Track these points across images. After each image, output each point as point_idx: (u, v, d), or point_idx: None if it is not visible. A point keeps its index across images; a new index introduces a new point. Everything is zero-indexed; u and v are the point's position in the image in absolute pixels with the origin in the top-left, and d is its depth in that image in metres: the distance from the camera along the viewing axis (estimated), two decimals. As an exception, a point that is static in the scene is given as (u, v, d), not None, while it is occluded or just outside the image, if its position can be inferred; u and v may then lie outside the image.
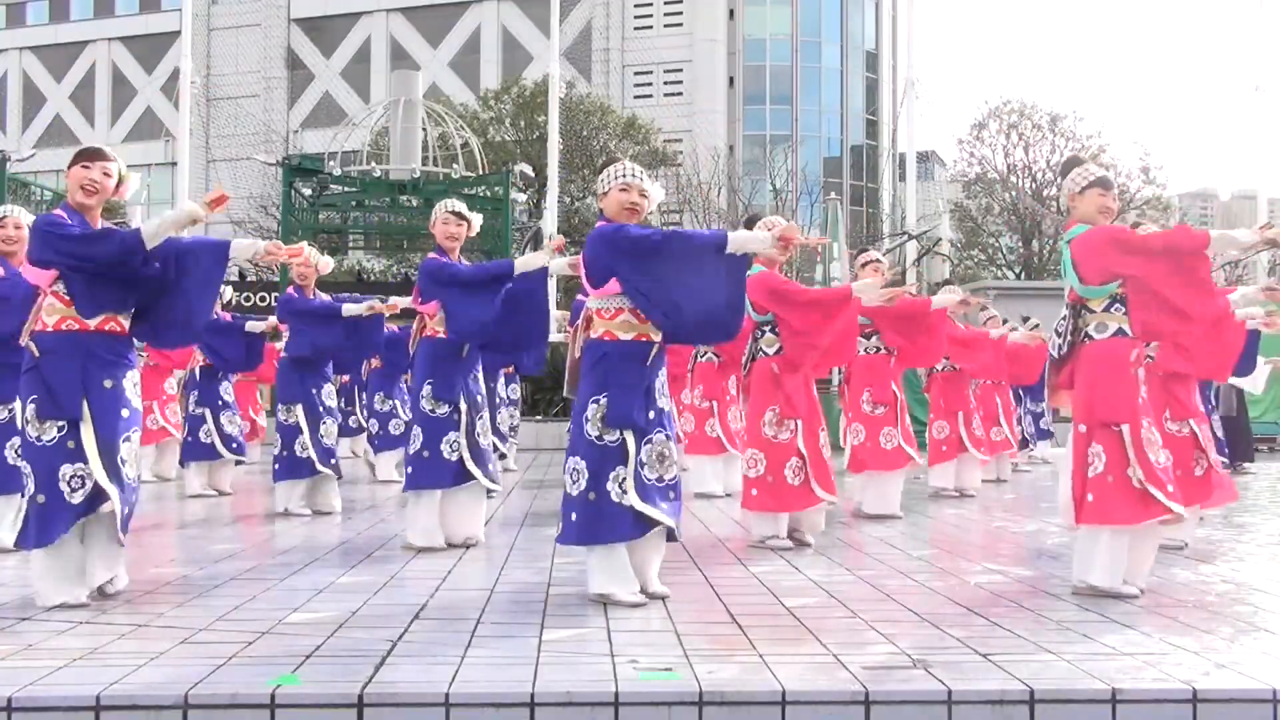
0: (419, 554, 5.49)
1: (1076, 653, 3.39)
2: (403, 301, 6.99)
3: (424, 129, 21.37)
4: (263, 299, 16.28)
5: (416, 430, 5.66)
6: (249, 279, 18.38)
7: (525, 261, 5.47)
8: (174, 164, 21.12)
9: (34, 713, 2.83)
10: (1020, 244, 38.36)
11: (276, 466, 7.27)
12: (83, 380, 4.15)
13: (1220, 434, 7.36)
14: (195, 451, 8.67)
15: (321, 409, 7.28)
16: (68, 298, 4.21)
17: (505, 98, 35.26)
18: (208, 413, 8.69)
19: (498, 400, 9.78)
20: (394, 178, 19.26)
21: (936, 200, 29.69)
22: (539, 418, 15.78)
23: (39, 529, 4.08)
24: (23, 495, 4.18)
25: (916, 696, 2.96)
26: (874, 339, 7.18)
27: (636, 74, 45.98)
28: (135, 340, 4.46)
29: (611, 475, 4.14)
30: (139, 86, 51.26)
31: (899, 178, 29.41)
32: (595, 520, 4.14)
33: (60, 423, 4.12)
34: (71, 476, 4.08)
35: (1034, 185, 37.76)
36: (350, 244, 19.71)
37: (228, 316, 8.69)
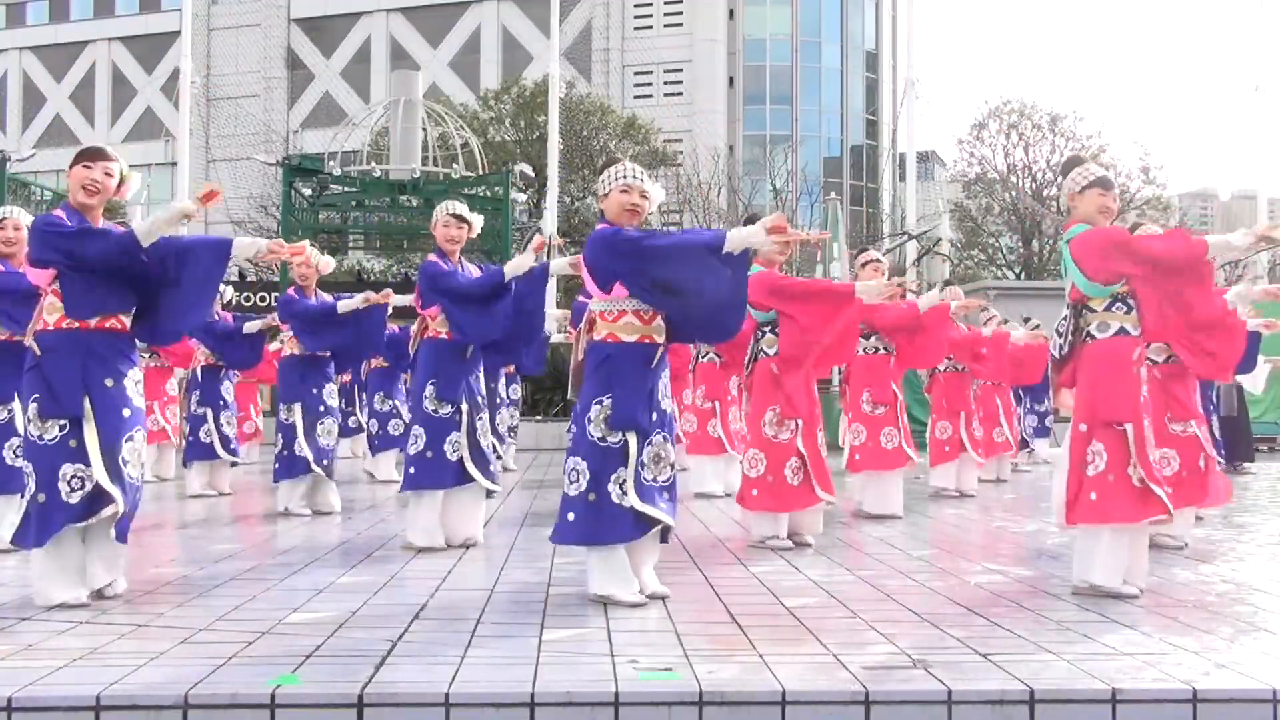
0: (419, 554, 5.49)
1: (1076, 653, 3.39)
2: (403, 300, 7.02)
3: (424, 129, 21.37)
4: (263, 299, 16.29)
5: (418, 430, 5.65)
6: (249, 279, 18.37)
7: (514, 266, 5.52)
8: (174, 164, 21.11)
9: (34, 713, 2.83)
10: (1020, 244, 38.37)
11: (277, 466, 7.28)
12: (84, 379, 4.15)
13: (1219, 434, 7.38)
14: (197, 451, 8.68)
15: (322, 408, 7.30)
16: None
17: (505, 98, 35.25)
18: (209, 412, 8.71)
19: (498, 400, 9.79)
20: (394, 178, 19.26)
21: (936, 200, 29.66)
22: (539, 418, 15.78)
23: (38, 528, 4.08)
24: (23, 495, 4.18)
25: (916, 696, 2.96)
26: (873, 339, 7.18)
27: (636, 74, 45.98)
28: (137, 339, 4.46)
29: (612, 476, 4.15)
30: (139, 86, 51.27)
31: (899, 178, 29.42)
32: (595, 521, 4.14)
33: (62, 421, 4.12)
34: (72, 476, 4.08)
35: (1034, 185, 37.78)
36: (350, 244, 19.70)
37: (228, 317, 8.70)
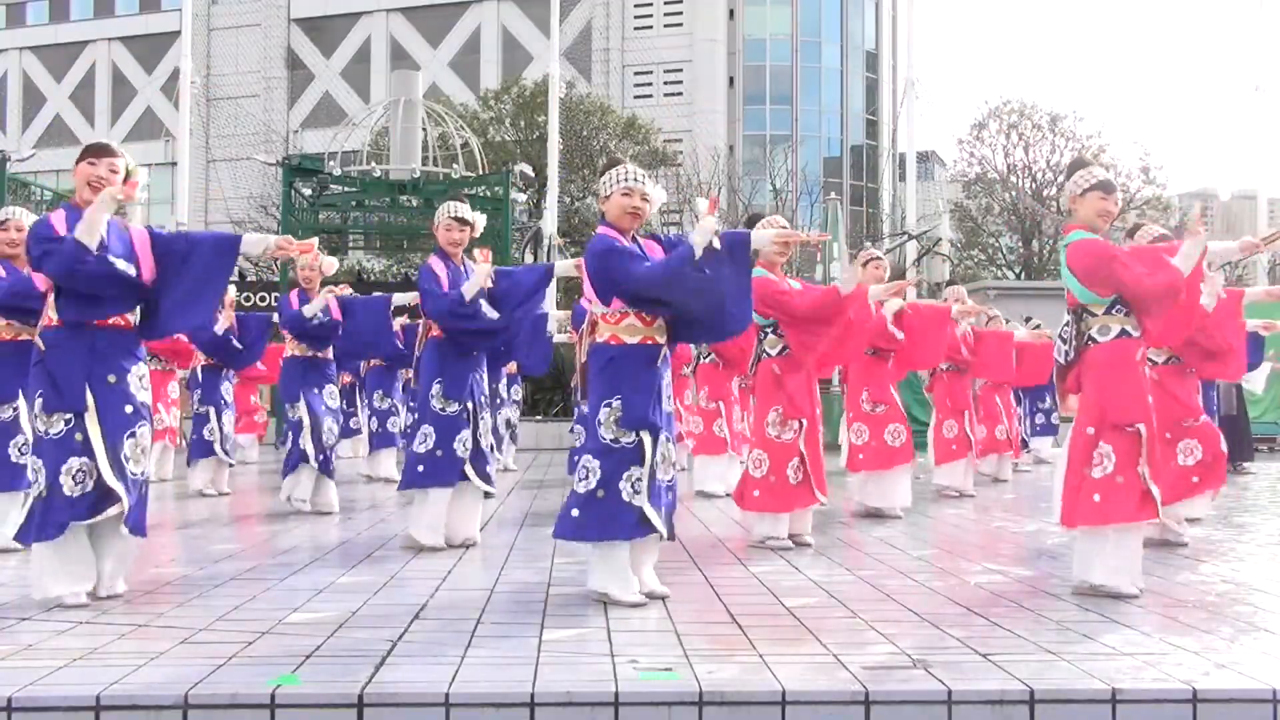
0: (419, 554, 5.49)
1: (1076, 653, 3.39)
2: (406, 298, 7.05)
3: (424, 129, 21.37)
4: (263, 299, 16.28)
5: (427, 429, 5.63)
6: (249, 279, 18.38)
7: (469, 287, 5.55)
8: (174, 164, 21.08)
9: (34, 713, 2.83)
10: (1020, 244, 38.36)
11: (285, 459, 7.36)
12: (87, 375, 4.16)
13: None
14: (201, 449, 8.76)
15: (324, 408, 7.33)
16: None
17: (505, 98, 35.24)
18: (212, 411, 8.79)
19: (499, 401, 9.80)
20: (394, 178, 19.26)
21: (936, 200, 29.68)
22: (539, 418, 15.78)
23: (40, 522, 4.08)
24: (28, 491, 4.19)
25: (916, 696, 2.96)
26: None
27: (636, 74, 45.96)
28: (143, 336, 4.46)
29: (625, 475, 4.15)
30: (139, 86, 51.25)
31: (899, 178, 29.40)
32: (600, 517, 4.14)
33: (67, 416, 4.13)
34: (76, 470, 4.09)
35: (1034, 185, 37.77)
36: (350, 244, 19.70)
37: (234, 327, 8.67)
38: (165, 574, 4.87)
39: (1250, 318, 6.46)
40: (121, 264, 4.20)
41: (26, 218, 5.38)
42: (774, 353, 5.81)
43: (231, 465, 9.08)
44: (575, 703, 2.89)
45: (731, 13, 46.36)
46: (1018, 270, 37.19)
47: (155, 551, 5.70)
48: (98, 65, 52.80)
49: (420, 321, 5.95)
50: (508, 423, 11.18)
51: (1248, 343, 6.33)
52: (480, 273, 5.59)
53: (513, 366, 10.56)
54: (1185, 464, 5.82)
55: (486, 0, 48.17)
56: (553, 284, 13.00)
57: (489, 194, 17.92)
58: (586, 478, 4.18)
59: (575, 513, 4.19)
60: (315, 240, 5.00)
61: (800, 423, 5.70)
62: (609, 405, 4.19)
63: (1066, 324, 4.61)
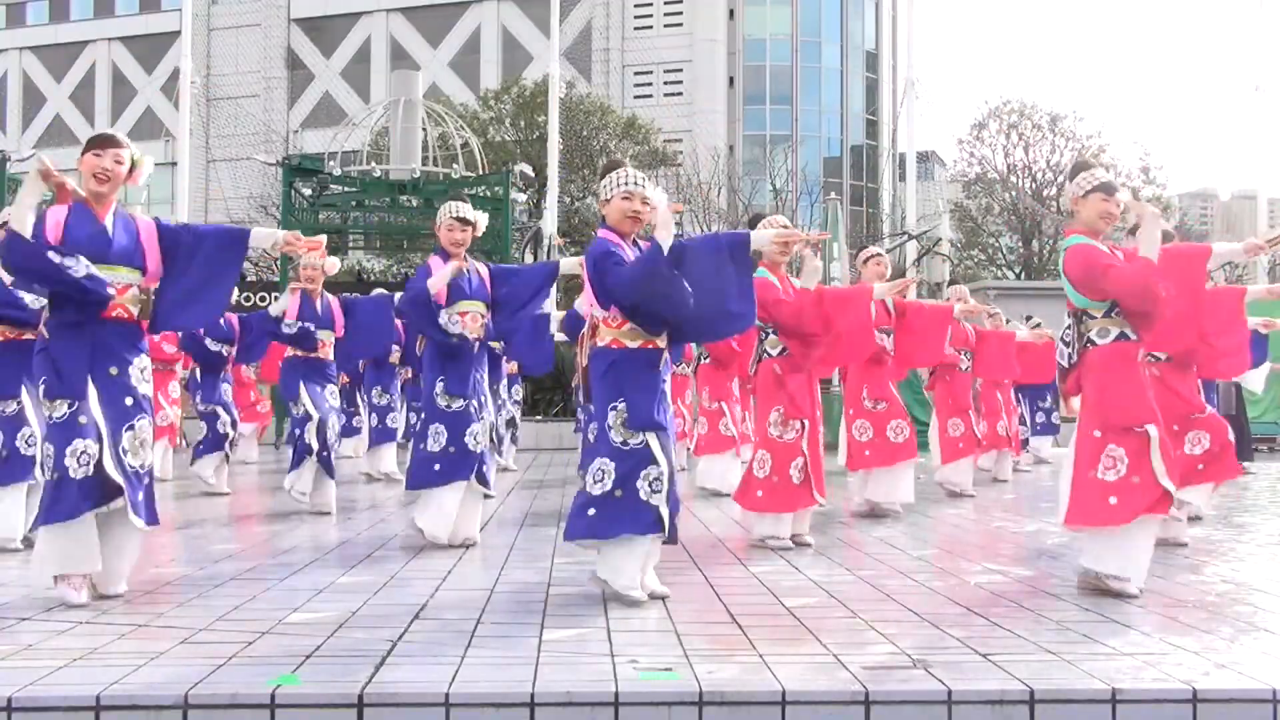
0: (419, 554, 5.48)
1: (1076, 653, 3.39)
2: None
3: (424, 129, 21.37)
4: (263, 299, 16.29)
5: (437, 427, 5.62)
6: (249, 279, 18.38)
7: (436, 281, 5.61)
8: (174, 164, 21.07)
9: (34, 713, 2.83)
10: (1020, 244, 38.36)
11: (292, 455, 7.38)
12: (89, 364, 4.17)
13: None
14: (211, 444, 8.84)
15: (327, 405, 7.35)
16: None
17: (505, 98, 35.25)
18: (219, 409, 8.89)
19: (500, 401, 9.81)
20: (394, 178, 19.26)
21: (936, 200, 29.68)
22: (539, 418, 15.78)
23: (49, 505, 4.09)
24: (32, 483, 4.20)
25: (916, 696, 2.96)
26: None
27: (636, 74, 45.98)
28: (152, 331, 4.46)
29: (642, 474, 4.16)
30: (139, 86, 51.27)
31: (899, 178, 29.41)
32: (618, 514, 4.14)
33: (70, 399, 4.14)
34: (81, 453, 4.09)
35: (1034, 185, 37.77)
36: (350, 244, 19.71)
37: (233, 319, 8.73)
38: (165, 574, 4.87)
39: (1250, 315, 6.46)
40: (71, 262, 4.10)
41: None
42: (775, 353, 5.81)
43: (228, 458, 9.10)
44: (575, 703, 2.89)
45: (731, 13, 46.38)
46: (1018, 270, 37.20)
47: (155, 551, 5.69)
48: (98, 65, 52.81)
49: None
50: (510, 422, 11.18)
51: (1249, 340, 6.34)
52: (447, 270, 5.62)
53: (513, 366, 10.58)
54: (1192, 453, 5.84)
55: (486, 0, 48.18)
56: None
57: (489, 194, 17.94)
58: (602, 479, 4.18)
59: (591, 512, 4.17)
60: (324, 238, 4.99)
61: (802, 423, 5.71)
62: (615, 408, 4.20)
63: (1067, 327, 4.63)
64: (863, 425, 7.21)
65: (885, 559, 5.40)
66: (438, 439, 5.62)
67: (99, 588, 4.22)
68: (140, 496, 4.23)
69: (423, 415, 5.76)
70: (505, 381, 10.45)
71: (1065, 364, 4.63)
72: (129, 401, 4.23)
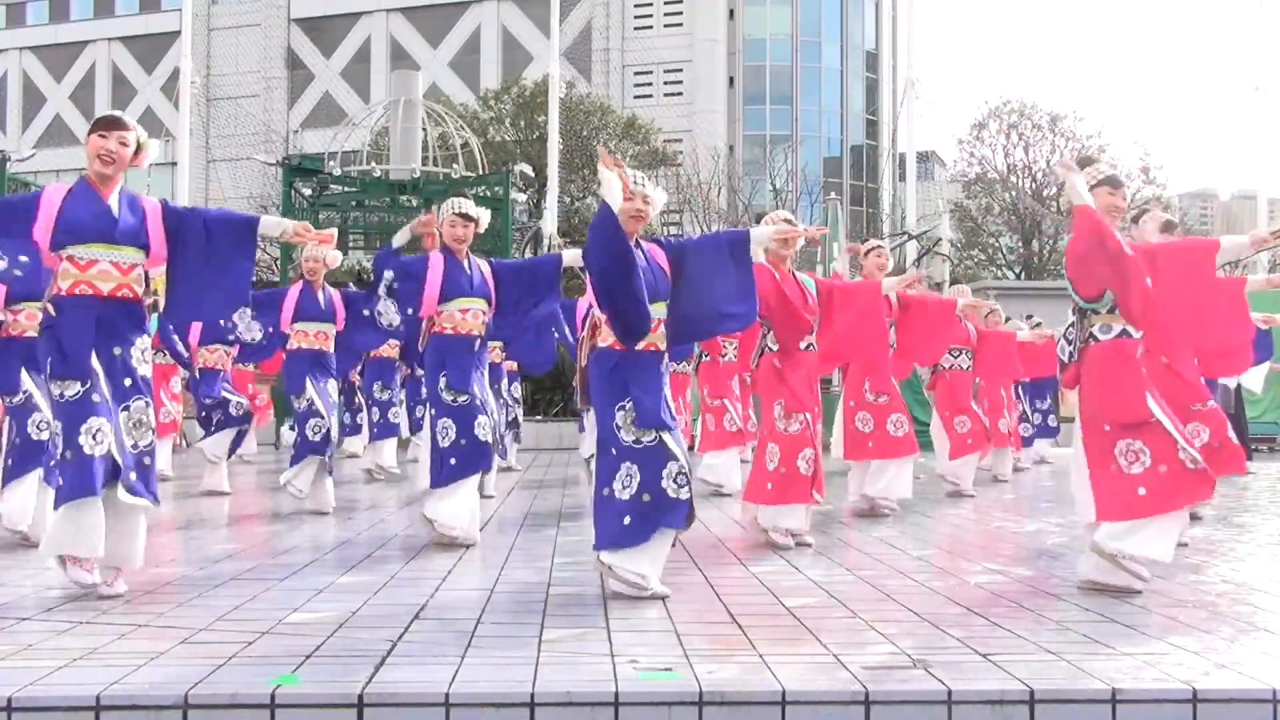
0: (419, 554, 5.48)
1: (1076, 653, 3.39)
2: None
3: (424, 129, 21.35)
4: (263, 299, 16.25)
5: (445, 422, 5.59)
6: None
7: (399, 237, 5.70)
8: (174, 164, 21.06)
9: (34, 713, 2.83)
10: (1020, 244, 38.37)
11: (294, 451, 7.37)
12: (93, 344, 4.18)
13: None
14: (226, 423, 8.84)
15: (330, 400, 7.38)
16: (82, 262, 4.24)
17: (505, 98, 35.25)
18: (228, 396, 8.92)
19: (502, 400, 9.80)
20: (394, 178, 19.25)
21: (936, 200, 29.70)
22: (539, 418, 15.78)
23: (73, 482, 4.09)
24: (54, 457, 4.20)
25: (916, 696, 2.96)
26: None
27: (636, 74, 45.98)
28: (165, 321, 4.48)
29: (664, 473, 4.17)
30: (139, 86, 51.24)
31: (899, 178, 29.42)
32: (652, 513, 4.15)
33: (83, 379, 4.15)
34: (96, 430, 4.11)
35: (1034, 185, 37.78)
36: (350, 244, 19.69)
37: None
38: (165, 574, 4.87)
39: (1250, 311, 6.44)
40: None
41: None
42: (776, 347, 5.82)
43: (241, 440, 9.16)
44: (575, 703, 2.89)
45: (731, 13, 46.38)
46: (1018, 270, 37.21)
47: (155, 551, 5.69)
48: (98, 65, 52.81)
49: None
50: (512, 423, 11.17)
51: (1253, 339, 6.31)
52: (407, 227, 5.69)
53: (513, 365, 10.57)
54: None
55: (486, 0, 48.18)
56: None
57: (489, 194, 17.93)
58: (630, 483, 4.18)
59: (627, 520, 4.17)
60: (334, 230, 4.98)
61: (805, 416, 5.70)
62: (623, 408, 4.20)
63: (1071, 324, 4.64)
64: (864, 417, 7.21)
65: (885, 559, 5.40)
66: (447, 434, 5.60)
67: (104, 573, 4.24)
68: (134, 477, 4.23)
69: (431, 413, 5.76)
70: (506, 380, 10.44)
71: (1066, 359, 4.64)
72: (128, 382, 4.24)
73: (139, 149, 4.39)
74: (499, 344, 8.25)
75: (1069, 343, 4.64)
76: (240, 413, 8.84)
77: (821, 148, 46.37)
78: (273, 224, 4.56)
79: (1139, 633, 3.70)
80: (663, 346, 4.31)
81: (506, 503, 8.04)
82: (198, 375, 8.97)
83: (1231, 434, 5.94)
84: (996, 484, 9.76)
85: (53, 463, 4.27)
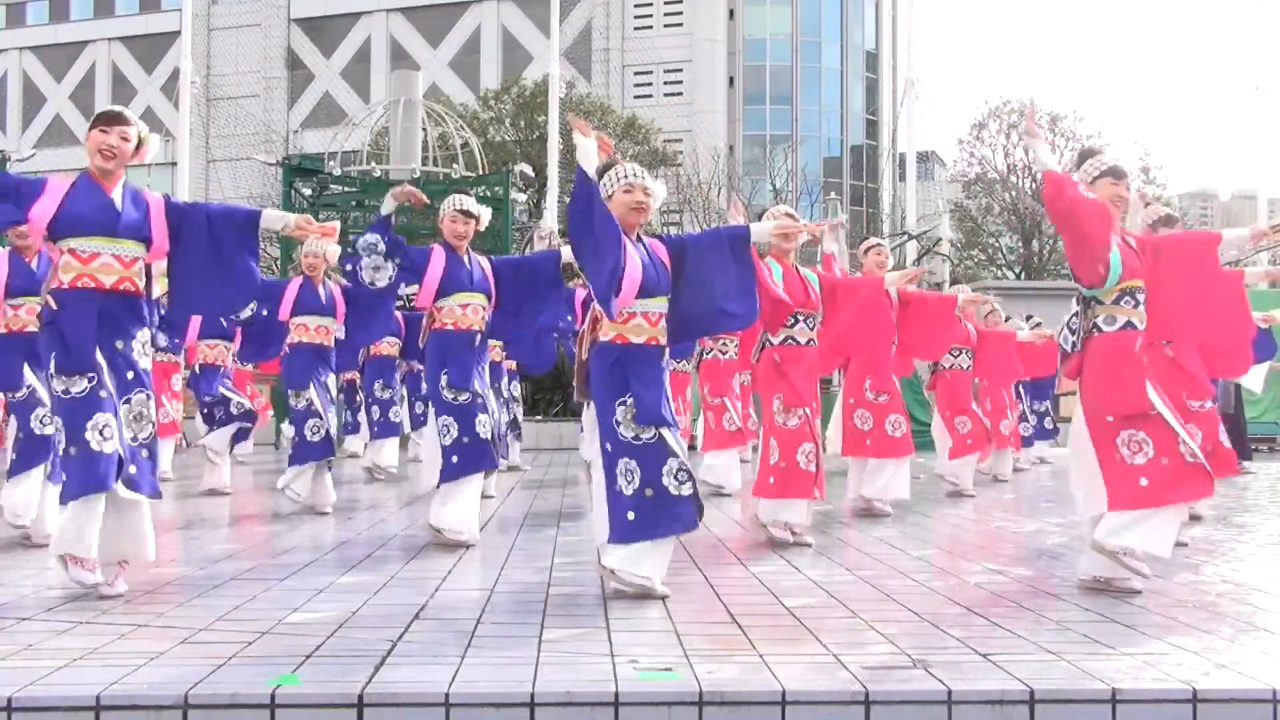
0: (419, 554, 5.48)
1: (1076, 653, 3.39)
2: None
3: (424, 129, 21.35)
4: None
5: (447, 420, 5.58)
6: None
7: (386, 204, 5.74)
8: (174, 164, 21.07)
9: (34, 713, 2.83)
10: (1020, 244, 38.38)
11: (293, 452, 7.36)
12: (96, 337, 4.18)
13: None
14: (228, 420, 8.85)
15: (328, 397, 7.38)
16: (84, 255, 4.23)
17: (505, 98, 35.24)
18: (228, 394, 8.92)
19: (503, 399, 9.81)
20: (394, 178, 19.24)
21: (936, 200, 29.71)
22: (539, 418, 15.78)
23: (82, 478, 4.08)
24: (55, 455, 4.21)
25: (916, 696, 2.96)
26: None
27: (636, 74, 45.99)
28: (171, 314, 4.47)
29: (664, 469, 4.16)
30: (139, 86, 51.24)
31: (899, 178, 29.42)
32: (657, 514, 4.15)
33: (90, 374, 4.15)
34: (104, 426, 4.10)
35: (1034, 185, 37.73)
36: (350, 244, 19.69)
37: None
38: (165, 574, 4.87)
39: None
40: None
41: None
42: (776, 341, 5.82)
43: (245, 435, 9.17)
44: (575, 703, 2.89)
45: (731, 13, 46.39)
46: (1018, 270, 37.22)
47: (156, 551, 5.69)
48: (98, 65, 52.82)
49: (424, 313, 5.95)
50: (513, 423, 11.18)
51: (1254, 339, 6.31)
52: (390, 195, 5.72)
53: (513, 364, 10.57)
54: None
55: (486, 0, 48.18)
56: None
57: (489, 194, 17.92)
58: (631, 479, 4.17)
59: (631, 516, 4.16)
60: (336, 224, 4.97)
61: (804, 410, 5.70)
62: (624, 404, 4.19)
63: (1075, 314, 4.63)
64: (863, 415, 7.22)
65: (885, 559, 5.40)
66: (449, 432, 5.60)
67: (109, 570, 4.24)
68: (133, 470, 4.23)
69: (433, 410, 5.76)
70: (506, 379, 10.44)
71: (1068, 349, 4.64)
72: (129, 375, 4.24)
73: (140, 144, 4.39)
74: (499, 343, 8.24)
75: (1072, 332, 4.63)
76: (241, 411, 8.83)
77: (821, 148, 46.39)
78: (275, 217, 4.57)
79: (1139, 633, 3.70)
80: (664, 341, 4.31)
81: (506, 503, 8.04)
82: (197, 370, 8.96)
83: (1224, 438, 5.94)
84: (996, 484, 9.76)
85: (55, 459, 4.27)
